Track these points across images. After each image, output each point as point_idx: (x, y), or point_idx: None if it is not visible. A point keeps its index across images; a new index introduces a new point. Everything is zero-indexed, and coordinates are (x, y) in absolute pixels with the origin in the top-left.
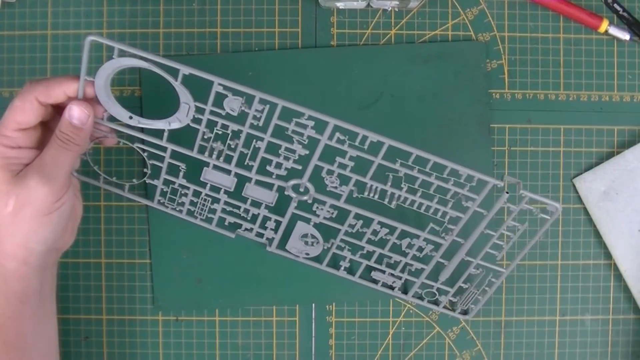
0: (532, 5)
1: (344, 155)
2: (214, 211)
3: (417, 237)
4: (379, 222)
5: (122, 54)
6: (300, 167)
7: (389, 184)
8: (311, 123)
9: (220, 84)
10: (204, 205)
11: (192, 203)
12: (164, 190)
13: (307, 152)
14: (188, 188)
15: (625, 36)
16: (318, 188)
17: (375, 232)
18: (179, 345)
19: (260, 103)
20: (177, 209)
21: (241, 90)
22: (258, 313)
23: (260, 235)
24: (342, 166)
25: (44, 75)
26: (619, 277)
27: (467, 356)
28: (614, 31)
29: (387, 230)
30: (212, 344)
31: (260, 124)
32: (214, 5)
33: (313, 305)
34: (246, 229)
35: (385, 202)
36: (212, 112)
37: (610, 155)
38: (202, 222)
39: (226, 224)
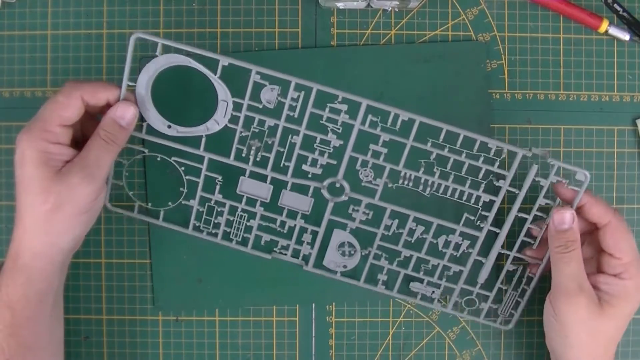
0: (532, 5)
1: (377, 142)
2: (249, 229)
3: (453, 232)
4: (415, 219)
5: (167, 49)
6: (335, 162)
7: (422, 170)
8: (344, 107)
9: (258, 73)
10: (239, 223)
11: (227, 223)
12: (200, 210)
13: (342, 142)
14: (224, 205)
15: (625, 36)
16: (353, 186)
17: (411, 232)
18: (179, 345)
19: (295, 90)
20: (213, 231)
21: (277, 77)
22: (258, 313)
23: (297, 252)
24: (376, 154)
25: (43, 76)
26: None
27: (467, 356)
28: (614, 31)
29: (423, 228)
30: (212, 344)
31: (296, 115)
32: (214, 5)
33: (313, 305)
34: (282, 247)
35: (420, 189)
36: (249, 108)
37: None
38: (237, 245)
39: (262, 243)
